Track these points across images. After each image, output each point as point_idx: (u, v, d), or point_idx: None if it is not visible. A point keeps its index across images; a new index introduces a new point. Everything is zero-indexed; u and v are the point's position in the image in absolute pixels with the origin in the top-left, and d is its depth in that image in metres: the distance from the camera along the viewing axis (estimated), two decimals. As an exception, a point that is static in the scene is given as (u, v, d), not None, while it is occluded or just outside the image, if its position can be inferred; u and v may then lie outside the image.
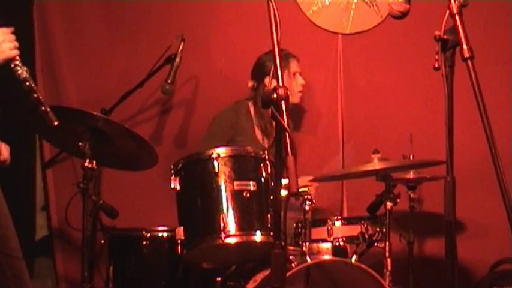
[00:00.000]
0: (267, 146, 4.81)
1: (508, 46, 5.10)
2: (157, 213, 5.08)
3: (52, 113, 3.21)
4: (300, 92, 4.89)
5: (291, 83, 4.80)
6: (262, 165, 3.79)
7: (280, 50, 4.77)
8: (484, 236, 5.15)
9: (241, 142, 4.71)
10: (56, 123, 3.21)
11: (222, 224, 3.63)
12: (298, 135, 5.28)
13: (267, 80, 4.76)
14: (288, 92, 2.50)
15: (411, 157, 4.43)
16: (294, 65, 4.86)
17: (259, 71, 4.86)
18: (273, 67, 4.62)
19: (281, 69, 2.60)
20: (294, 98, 4.83)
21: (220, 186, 3.72)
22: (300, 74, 4.89)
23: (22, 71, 3.17)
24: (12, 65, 3.16)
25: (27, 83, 3.18)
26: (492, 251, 4.95)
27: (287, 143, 2.37)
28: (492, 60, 5.06)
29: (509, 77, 5.03)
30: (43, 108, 3.20)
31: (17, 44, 3.17)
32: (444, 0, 2.71)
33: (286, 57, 4.77)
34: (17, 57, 3.17)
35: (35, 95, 3.19)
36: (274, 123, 4.76)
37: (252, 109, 4.85)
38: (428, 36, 2.81)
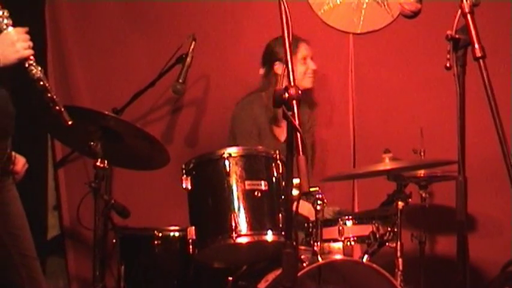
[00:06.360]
0: (283, 140, 4.77)
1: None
2: (168, 213, 5.09)
3: (66, 112, 3.22)
4: (310, 77, 4.83)
5: (299, 68, 4.75)
6: (273, 164, 3.79)
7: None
8: (495, 235, 5.14)
9: (260, 137, 4.71)
10: (70, 122, 3.23)
11: (233, 224, 3.63)
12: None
13: (276, 66, 4.76)
14: (300, 91, 2.48)
15: (422, 152, 4.43)
16: (303, 50, 4.79)
17: (269, 57, 4.85)
18: (280, 51, 4.68)
19: (293, 68, 2.59)
20: (306, 83, 4.80)
21: (232, 185, 3.72)
22: (311, 59, 4.83)
23: (36, 71, 3.18)
24: (27, 65, 3.17)
25: (42, 83, 3.19)
26: (504, 251, 4.93)
27: (298, 143, 2.37)
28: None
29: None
30: (57, 107, 3.21)
31: (31, 43, 3.18)
32: (456, 0, 2.71)
33: (295, 41, 4.73)
34: (31, 57, 3.18)
35: (49, 95, 3.20)
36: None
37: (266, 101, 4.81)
38: (439, 36, 2.81)
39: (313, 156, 5.13)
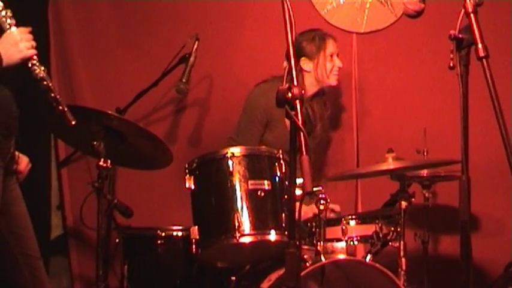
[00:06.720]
0: None
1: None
2: (172, 213, 5.09)
3: (69, 112, 3.23)
4: (336, 74, 4.77)
5: (326, 65, 4.72)
6: (276, 164, 3.78)
7: (314, 31, 4.77)
8: (499, 235, 5.14)
9: (271, 133, 4.67)
10: (73, 122, 3.23)
11: (236, 223, 3.63)
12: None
13: (302, 62, 4.68)
14: (303, 91, 2.49)
15: (425, 151, 4.43)
16: (330, 46, 4.75)
17: (295, 52, 4.80)
18: (307, 47, 4.65)
19: (296, 69, 2.59)
20: (331, 80, 4.77)
21: (235, 185, 3.72)
22: (337, 56, 4.79)
23: (39, 71, 3.19)
24: (30, 65, 3.18)
25: (45, 83, 3.20)
26: (507, 250, 4.93)
27: (302, 143, 2.37)
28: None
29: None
30: (60, 107, 3.22)
31: (34, 43, 3.19)
32: (459, -1, 2.71)
33: (322, 37, 4.71)
34: (35, 57, 3.19)
35: (52, 95, 3.21)
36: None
37: None
38: (443, 35, 2.81)
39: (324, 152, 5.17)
